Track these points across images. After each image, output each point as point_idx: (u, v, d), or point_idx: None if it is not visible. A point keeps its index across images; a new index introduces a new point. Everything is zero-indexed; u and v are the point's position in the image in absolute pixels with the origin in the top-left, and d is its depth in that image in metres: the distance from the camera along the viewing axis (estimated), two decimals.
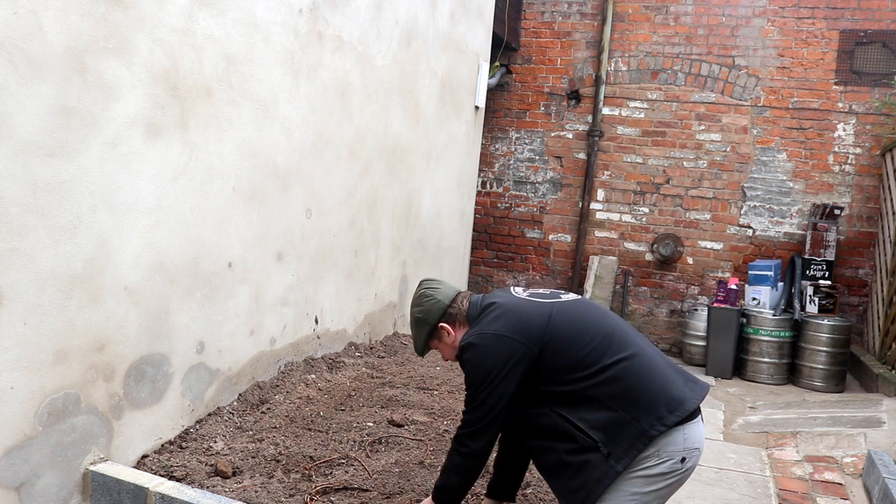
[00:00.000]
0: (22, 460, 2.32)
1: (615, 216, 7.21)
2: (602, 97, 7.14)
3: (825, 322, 5.83)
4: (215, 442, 2.97)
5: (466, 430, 2.12)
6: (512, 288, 2.34)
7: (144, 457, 2.83)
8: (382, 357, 4.44)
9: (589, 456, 1.99)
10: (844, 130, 6.49)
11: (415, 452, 3.01)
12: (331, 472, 2.80)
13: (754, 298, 6.29)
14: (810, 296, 6.07)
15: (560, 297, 2.22)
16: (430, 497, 2.25)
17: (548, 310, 2.14)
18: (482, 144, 6.96)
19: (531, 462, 2.41)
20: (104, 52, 2.46)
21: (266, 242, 3.50)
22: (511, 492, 2.51)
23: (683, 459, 2.00)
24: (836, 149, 6.52)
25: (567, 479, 2.05)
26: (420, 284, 2.36)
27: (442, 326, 2.26)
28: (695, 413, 2.04)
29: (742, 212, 6.81)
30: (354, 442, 3.07)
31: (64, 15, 2.29)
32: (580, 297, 2.30)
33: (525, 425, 2.17)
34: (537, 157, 7.48)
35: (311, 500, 2.56)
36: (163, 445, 2.92)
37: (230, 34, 3.08)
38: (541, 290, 2.29)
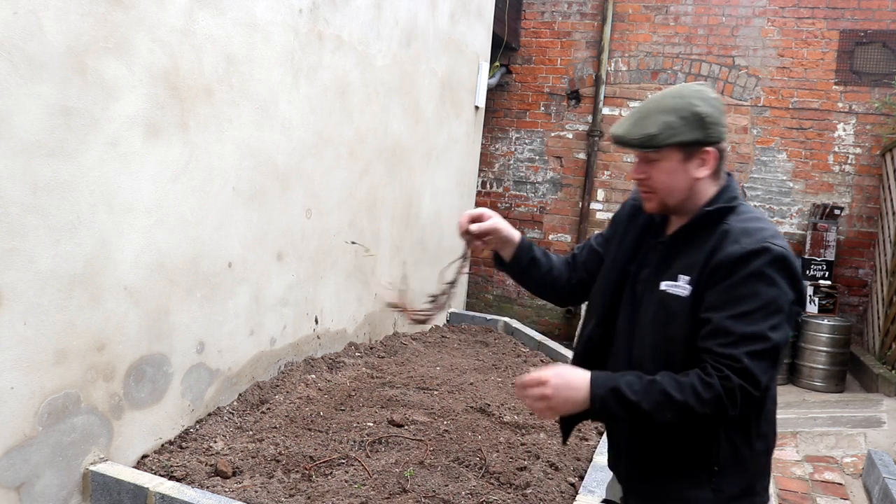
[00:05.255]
0: (22, 460, 2.32)
1: None
2: (602, 97, 7.13)
3: (825, 322, 5.82)
4: (215, 442, 2.97)
5: (748, 347, 1.37)
6: None
7: (144, 457, 2.83)
8: (382, 357, 4.44)
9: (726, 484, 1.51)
10: (844, 130, 6.49)
11: (415, 452, 3.01)
12: (331, 472, 2.80)
13: None
14: (810, 296, 6.07)
15: None
16: (598, 397, 1.42)
17: None
18: (482, 144, 6.95)
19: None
20: (104, 52, 2.46)
21: (266, 242, 3.50)
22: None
23: None
24: (836, 149, 6.52)
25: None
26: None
27: (709, 151, 1.50)
28: None
29: None
30: (354, 442, 3.07)
31: (64, 15, 2.29)
32: None
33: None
34: (537, 157, 7.47)
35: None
36: (163, 445, 2.92)
37: (230, 34, 3.08)
38: None
